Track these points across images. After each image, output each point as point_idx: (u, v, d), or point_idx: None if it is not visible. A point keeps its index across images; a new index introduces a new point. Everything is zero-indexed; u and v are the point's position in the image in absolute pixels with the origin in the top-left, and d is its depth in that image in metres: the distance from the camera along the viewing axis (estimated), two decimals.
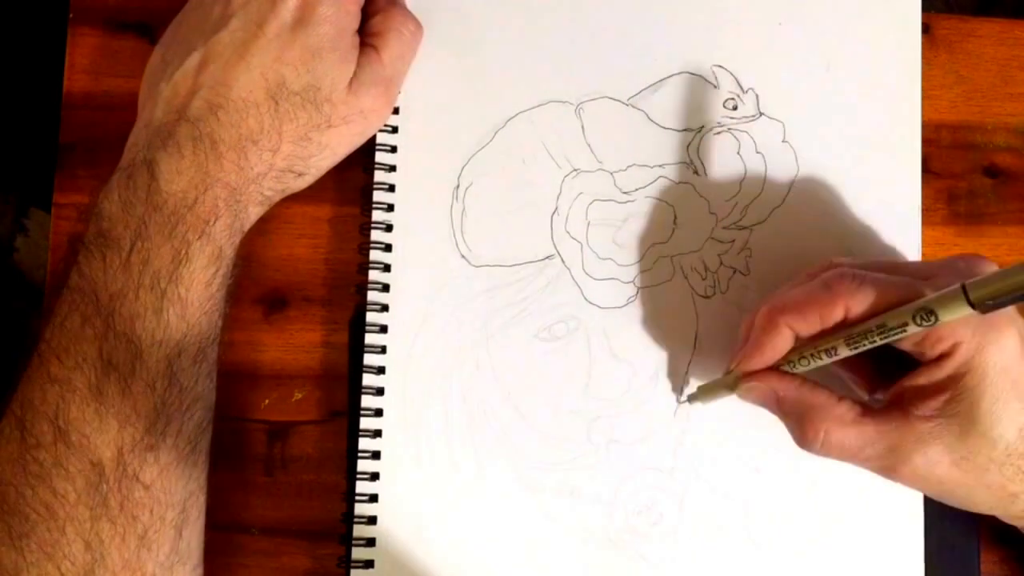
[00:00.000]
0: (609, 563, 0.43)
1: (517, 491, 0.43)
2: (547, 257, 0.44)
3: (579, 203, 0.45)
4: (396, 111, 0.45)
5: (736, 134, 0.45)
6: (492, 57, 0.46)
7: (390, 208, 0.44)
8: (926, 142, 0.46)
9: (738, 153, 0.45)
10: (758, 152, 0.45)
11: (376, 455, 0.43)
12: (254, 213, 0.41)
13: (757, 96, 0.46)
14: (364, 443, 0.43)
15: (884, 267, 0.38)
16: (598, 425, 0.44)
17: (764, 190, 0.45)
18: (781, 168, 0.45)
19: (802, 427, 0.38)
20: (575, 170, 0.45)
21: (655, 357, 0.44)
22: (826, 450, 0.37)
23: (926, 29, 0.47)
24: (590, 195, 0.45)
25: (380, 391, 0.43)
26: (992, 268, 0.37)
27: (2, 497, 0.35)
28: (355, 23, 0.41)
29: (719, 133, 0.45)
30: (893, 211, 0.46)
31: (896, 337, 0.35)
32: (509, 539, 0.43)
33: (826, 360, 0.37)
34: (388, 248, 0.44)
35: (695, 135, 0.45)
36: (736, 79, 0.46)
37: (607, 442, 0.44)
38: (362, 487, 0.42)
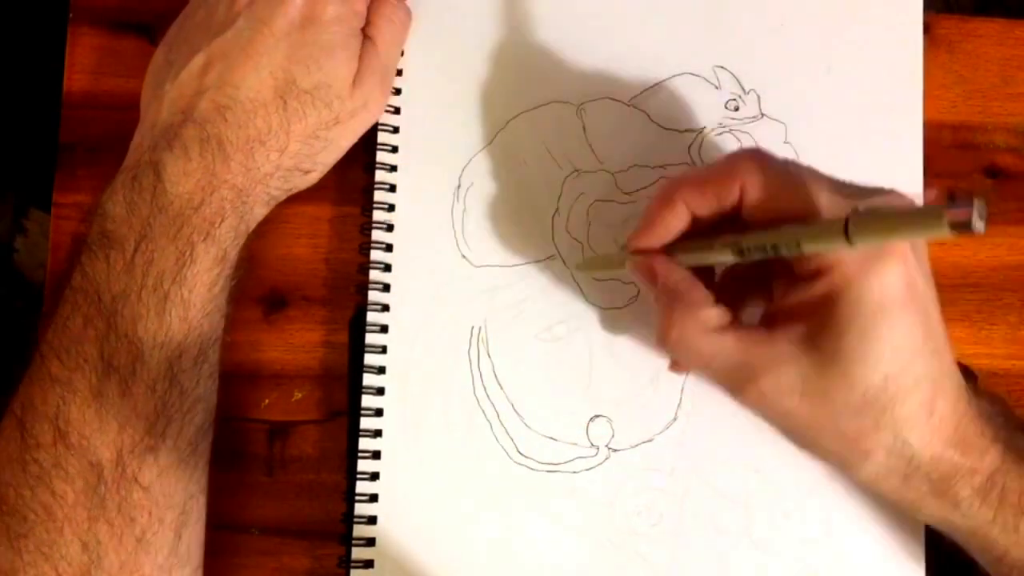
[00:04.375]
0: (609, 563, 0.43)
1: (517, 492, 0.43)
2: (548, 257, 0.44)
3: (580, 204, 0.45)
4: (397, 111, 0.45)
5: (738, 135, 0.45)
6: (493, 57, 0.46)
7: (391, 208, 0.44)
8: (926, 142, 0.47)
9: None
10: None
11: (376, 455, 0.43)
12: (259, 214, 0.41)
13: (759, 97, 0.46)
14: (364, 443, 0.43)
15: (814, 174, 0.35)
16: (598, 426, 0.44)
17: None
18: None
19: (664, 320, 0.35)
20: (576, 171, 0.45)
21: (655, 358, 0.44)
22: (678, 350, 0.35)
23: (926, 29, 0.47)
24: (591, 196, 0.45)
25: (380, 391, 0.43)
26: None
27: (1, 497, 0.35)
28: (362, 20, 0.41)
29: (721, 134, 0.45)
30: None
31: (775, 255, 0.32)
32: (509, 540, 0.43)
33: (711, 259, 0.35)
34: (389, 248, 0.44)
35: (696, 136, 0.45)
36: (738, 80, 0.46)
37: (607, 442, 0.44)
38: (362, 487, 0.42)
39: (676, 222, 0.36)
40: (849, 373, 0.32)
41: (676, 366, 0.41)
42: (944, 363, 0.34)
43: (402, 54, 0.45)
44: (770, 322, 0.35)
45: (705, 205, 0.35)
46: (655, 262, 0.36)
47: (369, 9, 0.42)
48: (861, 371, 0.32)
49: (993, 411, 0.37)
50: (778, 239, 0.32)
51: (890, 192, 0.34)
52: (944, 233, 0.25)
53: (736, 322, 0.35)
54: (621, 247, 0.38)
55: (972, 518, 0.36)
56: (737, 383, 0.34)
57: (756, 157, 0.35)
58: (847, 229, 0.29)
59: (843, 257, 0.32)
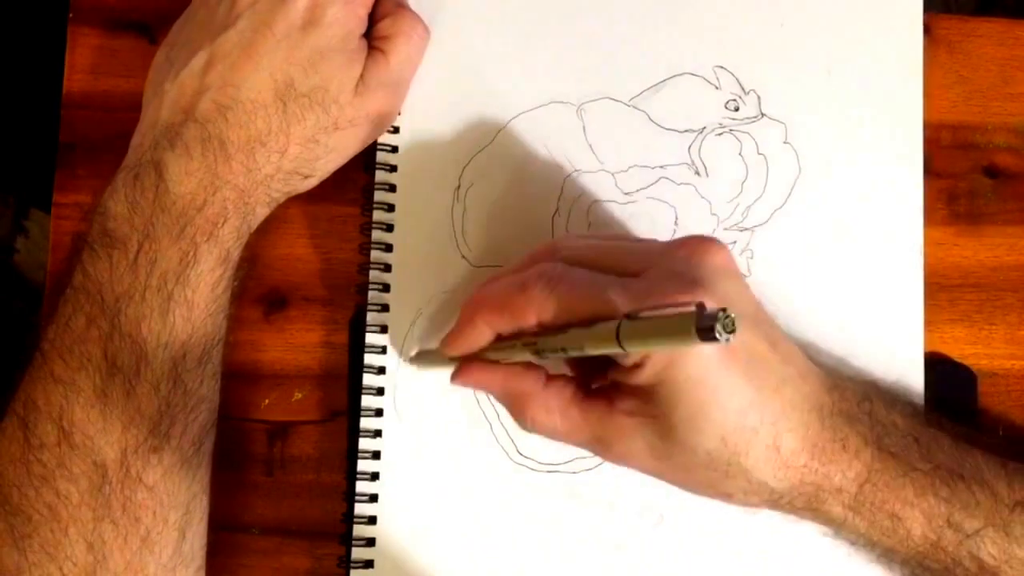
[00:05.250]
0: (609, 564, 0.43)
1: (517, 492, 0.43)
2: None
3: (580, 204, 0.45)
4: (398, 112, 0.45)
5: (738, 135, 0.46)
6: (494, 58, 0.46)
7: (391, 208, 0.44)
8: (926, 142, 0.47)
9: (740, 154, 0.45)
10: (760, 153, 0.45)
11: (376, 455, 0.43)
12: (260, 214, 0.41)
13: (759, 97, 0.46)
14: (364, 443, 0.43)
15: (602, 255, 0.36)
16: None
17: (766, 191, 0.45)
18: (783, 169, 0.45)
19: (514, 413, 0.37)
20: (576, 171, 0.45)
21: None
22: (539, 432, 0.37)
23: (926, 29, 0.47)
24: (591, 196, 0.45)
25: (380, 391, 0.43)
26: (719, 260, 0.34)
27: (5, 498, 0.35)
28: (363, 26, 0.41)
29: (721, 134, 0.45)
30: (895, 212, 0.46)
31: (566, 356, 0.34)
32: (509, 540, 0.43)
33: (515, 359, 0.37)
34: (389, 248, 0.44)
35: (697, 136, 0.45)
36: (738, 80, 0.46)
37: None
38: (362, 487, 0.42)
39: (480, 339, 0.37)
40: (687, 442, 0.34)
41: None
42: (786, 396, 0.35)
43: None
44: (606, 392, 0.36)
45: (504, 327, 0.36)
46: (474, 370, 0.38)
47: (386, 24, 0.42)
48: (697, 439, 0.34)
49: (859, 411, 0.37)
50: (566, 343, 0.33)
51: (695, 244, 0.35)
52: (695, 342, 0.26)
53: (580, 391, 0.37)
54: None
55: (850, 528, 0.37)
56: (596, 450, 0.37)
57: (550, 282, 0.35)
58: (618, 336, 0.30)
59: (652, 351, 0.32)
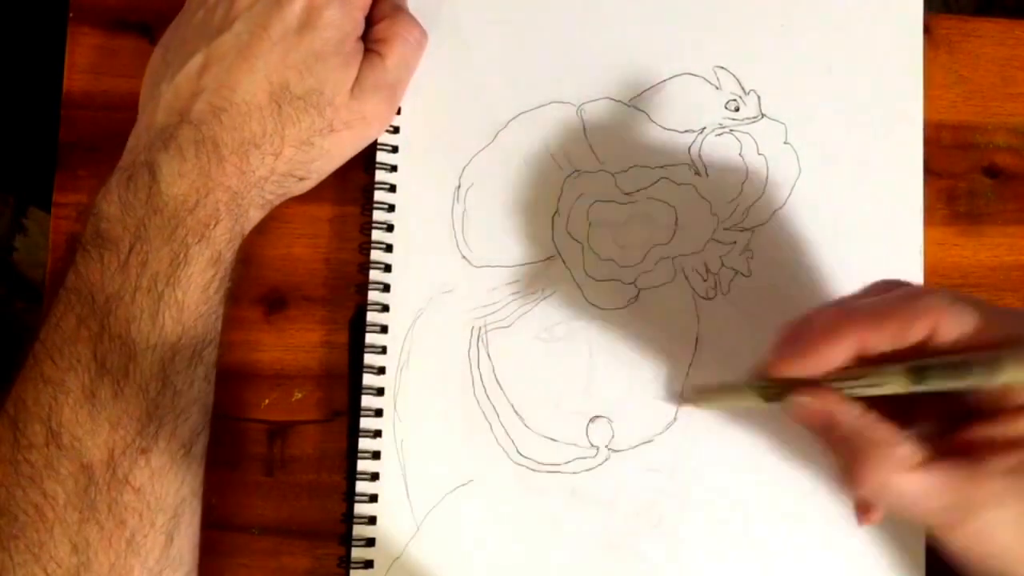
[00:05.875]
0: (609, 564, 0.43)
1: (517, 492, 0.43)
2: (548, 258, 0.44)
3: (580, 204, 0.45)
4: (398, 111, 0.45)
5: (738, 135, 0.46)
6: (494, 57, 0.46)
7: (391, 208, 0.44)
8: (926, 142, 0.47)
9: (740, 154, 0.45)
10: (760, 153, 0.45)
11: (376, 455, 0.43)
12: (254, 217, 0.41)
13: (759, 97, 0.46)
14: (364, 443, 0.43)
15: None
16: (598, 426, 0.44)
17: (766, 192, 0.45)
18: (783, 170, 0.45)
19: (856, 466, 0.32)
20: (576, 171, 0.45)
21: (655, 358, 0.44)
22: (880, 496, 0.32)
23: (926, 29, 0.47)
24: (591, 196, 0.45)
25: (380, 391, 0.43)
26: None
27: None
28: (359, 28, 0.41)
29: (721, 134, 0.45)
30: (895, 212, 0.46)
31: (979, 383, 0.29)
32: (508, 540, 0.43)
33: (878, 391, 0.32)
34: (389, 248, 0.44)
35: (697, 136, 0.45)
36: (738, 80, 0.46)
37: (607, 443, 0.44)
38: (362, 487, 0.42)
39: (841, 355, 0.32)
40: None
41: (866, 514, 0.36)
42: None
43: None
44: (967, 452, 0.32)
45: (878, 342, 0.32)
46: (830, 400, 0.33)
47: (383, 26, 0.42)
48: None
49: None
50: (976, 362, 0.29)
51: None
52: None
53: (933, 455, 0.32)
54: (754, 376, 0.34)
55: None
56: (953, 521, 0.32)
57: (947, 296, 0.31)
58: None
59: None
